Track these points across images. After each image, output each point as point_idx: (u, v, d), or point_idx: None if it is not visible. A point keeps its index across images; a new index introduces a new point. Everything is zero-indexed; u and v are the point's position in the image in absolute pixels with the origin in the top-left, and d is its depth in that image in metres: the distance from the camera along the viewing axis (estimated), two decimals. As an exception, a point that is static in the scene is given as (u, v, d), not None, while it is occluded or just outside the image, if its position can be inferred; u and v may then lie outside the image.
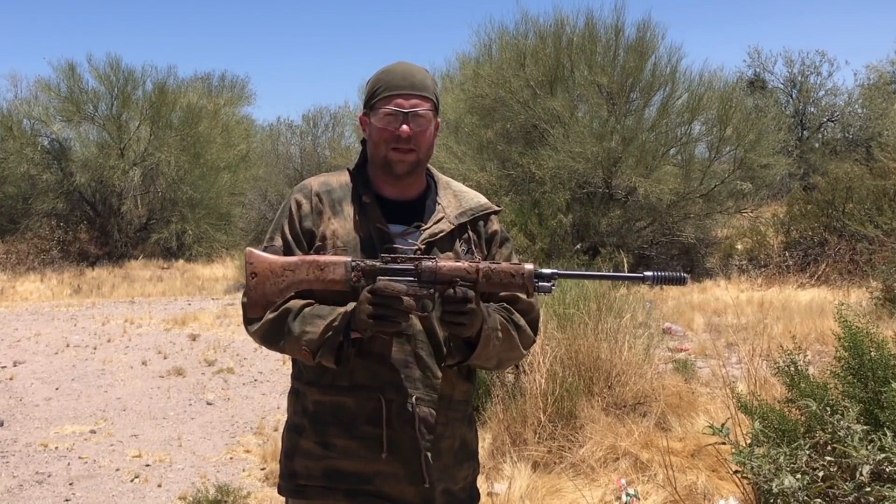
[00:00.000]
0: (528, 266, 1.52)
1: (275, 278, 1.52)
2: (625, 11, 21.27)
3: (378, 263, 1.51)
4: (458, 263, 1.51)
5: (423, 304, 1.52)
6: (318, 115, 28.75)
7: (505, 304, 1.66)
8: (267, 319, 1.59)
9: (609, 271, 5.33)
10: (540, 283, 1.52)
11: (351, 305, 1.54)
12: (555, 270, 1.54)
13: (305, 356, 1.55)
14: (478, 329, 1.53)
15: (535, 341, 1.72)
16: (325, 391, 1.61)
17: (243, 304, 1.65)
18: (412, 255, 1.53)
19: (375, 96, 1.64)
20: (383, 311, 1.46)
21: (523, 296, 1.67)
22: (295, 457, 1.65)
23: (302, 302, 1.59)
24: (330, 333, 1.52)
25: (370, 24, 75.08)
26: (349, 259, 1.52)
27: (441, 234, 1.64)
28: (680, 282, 1.52)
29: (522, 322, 1.66)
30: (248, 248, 1.57)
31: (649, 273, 1.53)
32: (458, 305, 1.48)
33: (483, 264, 1.51)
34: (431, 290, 1.51)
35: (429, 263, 1.50)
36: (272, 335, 1.59)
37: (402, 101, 1.60)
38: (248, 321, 1.63)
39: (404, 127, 1.60)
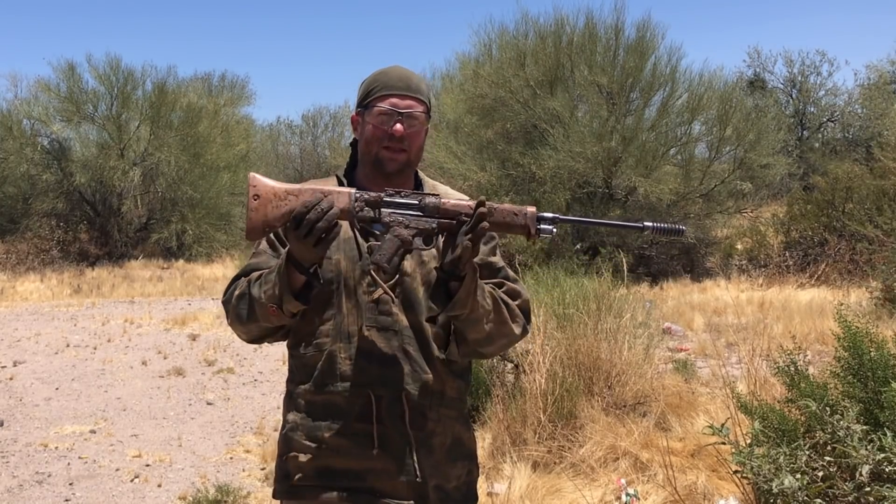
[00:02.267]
0: (531, 208, 1.53)
1: (277, 201, 1.50)
2: (625, 11, 21.31)
3: (382, 195, 1.51)
4: (461, 200, 1.52)
5: (426, 239, 1.51)
6: (317, 115, 28.85)
7: (491, 285, 1.65)
8: (235, 297, 1.61)
9: (609, 271, 5.32)
10: (541, 227, 1.52)
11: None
12: (556, 215, 1.55)
13: (275, 313, 1.54)
14: (471, 269, 1.51)
15: (527, 329, 1.69)
16: (316, 390, 1.62)
17: (223, 303, 1.67)
18: (416, 192, 1.53)
19: (370, 95, 1.64)
20: (317, 231, 1.44)
21: (511, 283, 1.68)
22: (288, 457, 1.65)
23: (259, 272, 1.61)
24: (280, 279, 1.51)
25: (370, 25, 75.11)
26: (353, 189, 1.51)
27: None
28: (677, 233, 1.57)
29: (512, 303, 1.65)
30: (252, 173, 1.55)
31: (649, 223, 1.57)
32: (460, 237, 1.47)
33: (487, 203, 1.51)
34: (434, 226, 1.51)
35: (432, 199, 1.51)
36: (243, 311, 1.60)
37: (397, 101, 1.62)
38: (227, 310, 1.65)
39: (398, 126, 1.61)
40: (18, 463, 4.55)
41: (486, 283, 1.63)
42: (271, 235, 1.65)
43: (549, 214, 1.53)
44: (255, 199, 1.50)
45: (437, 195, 1.53)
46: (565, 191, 12.54)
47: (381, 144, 1.62)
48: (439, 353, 1.64)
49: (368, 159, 1.66)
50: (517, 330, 1.65)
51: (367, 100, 1.65)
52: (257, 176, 1.53)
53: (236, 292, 1.62)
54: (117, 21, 65.22)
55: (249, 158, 22.13)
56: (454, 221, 1.49)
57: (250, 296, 1.58)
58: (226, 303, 1.67)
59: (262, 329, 1.62)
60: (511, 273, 1.72)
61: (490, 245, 1.73)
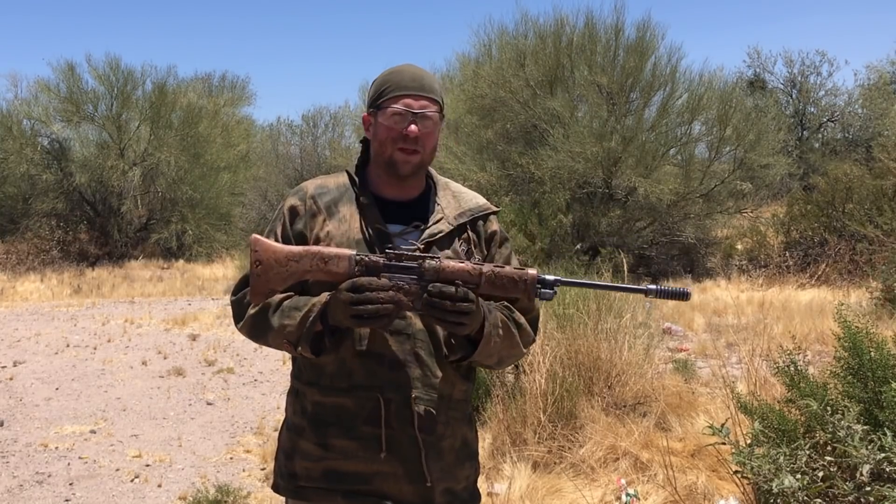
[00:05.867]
0: (532, 272, 1.52)
1: (279, 267, 1.53)
2: (625, 11, 21.30)
3: (382, 259, 1.51)
4: (462, 265, 1.51)
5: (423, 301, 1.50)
6: (318, 115, 28.80)
7: (505, 303, 1.66)
8: (249, 315, 1.62)
9: (609, 271, 5.33)
10: (542, 290, 1.52)
11: (325, 295, 1.54)
12: (557, 277, 1.54)
13: (288, 349, 1.57)
14: (477, 327, 1.54)
15: (535, 340, 1.72)
16: (325, 392, 1.61)
17: (232, 302, 1.67)
18: (417, 255, 1.52)
19: (383, 95, 1.63)
20: (363, 310, 1.45)
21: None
22: (294, 458, 1.65)
23: (281, 296, 1.60)
24: (307, 325, 1.53)
25: (370, 25, 75.16)
26: (353, 252, 1.52)
27: (440, 235, 1.64)
28: (683, 297, 1.53)
29: (523, 320, 1.66)
30: (255, 235, 1.57)
31: (652, 287, 1.53)
32: (457, 304, 1.47)
33: (487, 268, 1.51)
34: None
35: (433, 263, 1.50)
36: (257, 330, 1.62)
37: (411, 102, 1.60)
38: (237, 316, 1.66)
39: (412, 127, 1.60)
40: (18, 463, 4.55)
41: (500, 301, 1.64)
42: (280, 239, 1.65)
43: (551, 277, 1.53)
44: (258, 266, 1.53)
45: (438, 258, 1.52)
46: (565, 191, 12.53)
47: (396, 146, 1.61)
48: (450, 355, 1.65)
49: (382, 161, 1.65)
50: (525, 350, 1.68)
51: (379, 100, 1.63)
52: (260, 239, 1.56)
53: (251, 310, 1.62)
54: (117, 21, 65.27)
55: (249, 158, 22.12)
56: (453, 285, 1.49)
57: (268, 322, 1.58)
58: (237, 305, 1.66)
59: (268, 346, 1.65)
60: None
61: (506, 248, 1.75)
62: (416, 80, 1.63)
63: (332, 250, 1.53)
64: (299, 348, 1.55)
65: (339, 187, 1.69)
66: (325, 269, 1.51)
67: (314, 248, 1.54)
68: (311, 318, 1.53)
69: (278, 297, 1.60)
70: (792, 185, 19.03)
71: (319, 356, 1.58)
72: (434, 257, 1.52)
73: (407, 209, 1.66)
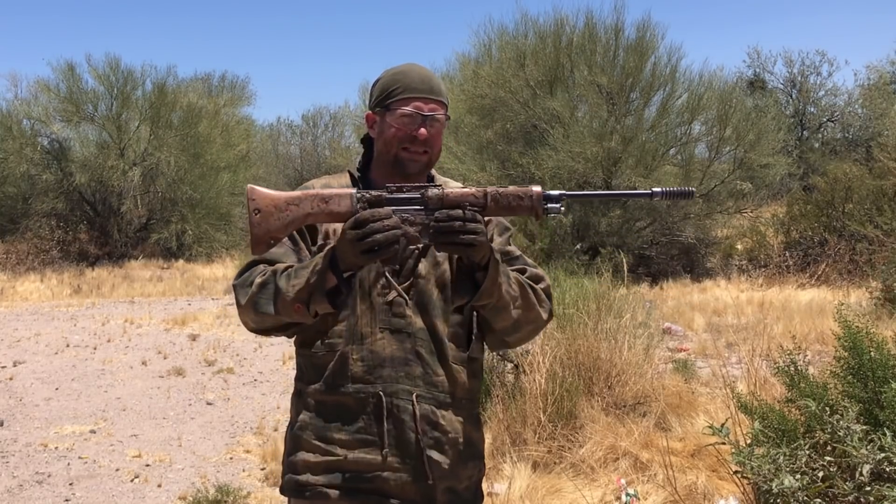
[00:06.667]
0: (536, 188, 1.50)
1: (278, 213, 1.49)
2: (624, 11, 21.32)
3: (384, 193, 1.48)
4: (465, 189, 1.49)
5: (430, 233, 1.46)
6: (317, 115, 28.88)
7: (516, 271, 1.66)
8: (256, 285, 1.56)
9: (609, 271, 5.32)
10: (548, 206, 1.50)
11: (330, 246, 1.51)
12: (562, 192, 1.52)
13: (300, 311, 1.51)
14: (488, 254, 1.51)
15: (552, 313, 1.70)
16: (327, 391, 1.62)
17: (235, 286, 1.62)
18: (418, 185, 1.50)
19: (393, 95, 1.64)
20: (372, 242, 1.42)
21: (532, 269, 1.69)
22: (297, 456, 1.65)
23: (285, 264, 1.58)
24: (315, 278, 1.49)
25: (370, 25, 75.19)
26: (354, 190, 1.49)
27: None
28: (687, 196, 1.54)
29: (536, 286, 1.66)
30: (250, 185, 1.53)
31: (657, 189, 1.53)
32: (466, 224, 1.44)
33: (490, 188, 1.49)
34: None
35: (435, 190, 1.48)
36: (263, 301, 1.55)
37: (421, 105, 1.62)
38: (241, 294, 1.59)
39: (422, 130, 1.62)
40: (18, 463, 4.55)
41: (511, 269, 1.64)
42: (294, 233, 1.63)
43: (556, 192, 1.51)
44: (257, 214, 1.49)
45: (440, 186, 1.50)
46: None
47: (401, 146, 1.62)
48: (458, 352, 1.64)
49: (387, 159, 1.66)
50: (544, 315, 1.66)
51: (388, 100, 1.64)
52: (256, 188, 1.51)
53: (258, 279, 1.57)
54: (117, 21, 65.33)
55: (249, 158, 22.12)
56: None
57: (276, 287, 1.53)
58: (241, 286, 1.61)
59: (276, 322, 1.57)
60: (529, 260, 1.72)
61: (505, 235, 1.75)
62: (425, 82, 1.64)
63: (333, 190, 1.49)
64: (313, 306, 1.50)
65: (343, 188, 1.70)
66: (326, 209, 1.48)
67: (313, 191, 1.51)
68: (318, 269, 1.48)
69: (282, 265, 1.57)
70: (792, 185, 19.04)
71: (339, 309, 1.54)
72: (436, 185, 1.49)
73: None
